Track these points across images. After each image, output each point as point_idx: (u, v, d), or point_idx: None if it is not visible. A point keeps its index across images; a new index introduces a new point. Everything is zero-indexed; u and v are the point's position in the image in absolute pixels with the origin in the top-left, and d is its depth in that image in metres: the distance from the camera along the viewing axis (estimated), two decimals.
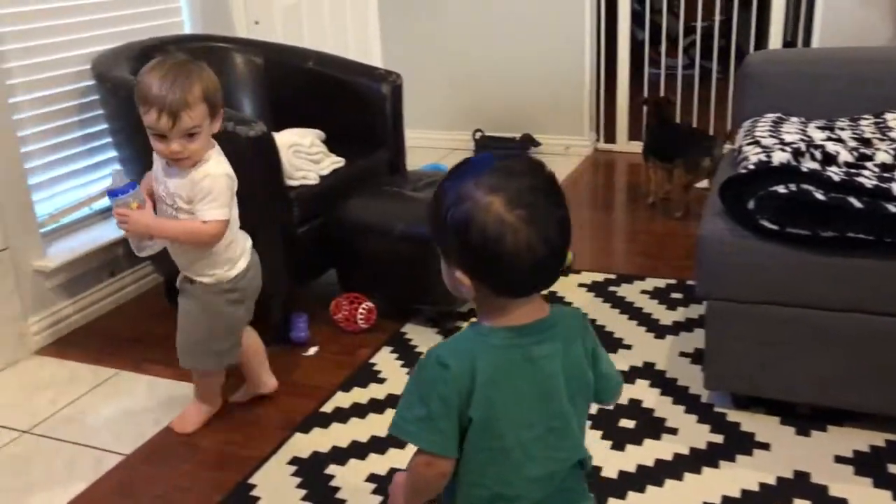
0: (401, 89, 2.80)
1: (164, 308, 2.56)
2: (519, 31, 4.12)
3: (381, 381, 2.20)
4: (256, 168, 2.23)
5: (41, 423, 2.09)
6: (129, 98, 2.26)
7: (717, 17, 4.02)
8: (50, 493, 1.83)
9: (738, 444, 1.85)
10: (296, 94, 2.88)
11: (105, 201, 2.75)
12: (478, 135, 4.24)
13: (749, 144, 2.07)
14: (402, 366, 2.27)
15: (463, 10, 4.19)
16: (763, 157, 1.90)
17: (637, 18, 4.09)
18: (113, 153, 2.72)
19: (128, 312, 2.67)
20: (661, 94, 3.80)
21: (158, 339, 2.41)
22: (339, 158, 2.63)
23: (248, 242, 1.96)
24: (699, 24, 4.05)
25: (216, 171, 1.81)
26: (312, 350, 2.39)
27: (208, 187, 1.79)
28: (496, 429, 1.06)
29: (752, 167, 1.88)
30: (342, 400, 2.12)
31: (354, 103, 2.81)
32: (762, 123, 2.21)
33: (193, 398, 2.07)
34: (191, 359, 1.98)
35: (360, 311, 2.45)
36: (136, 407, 2.14)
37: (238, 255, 1.92)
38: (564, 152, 4.20)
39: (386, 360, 2.30)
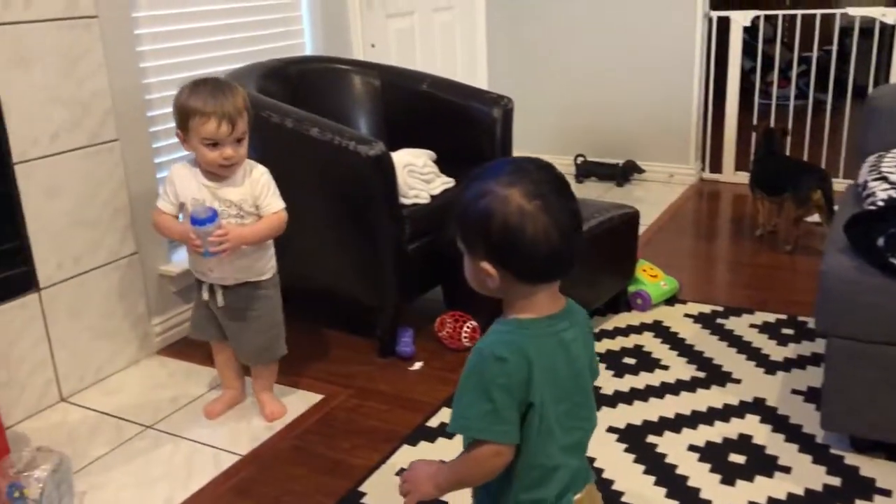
0: (511, 113, 2.84)
1: None
2: (627, 57, 4.11)
3: None
4: (375, 186, 2.30)
5: (163, 420, 2.20)
6: (257, 114, 2.39)
7: (834, 48, 3.92)
8: (172, 486, 1.92)
9: (858, 488, 1.79)
10: (409, 115, 2.96)
11: None
12: (579, 160, 4.25)
13: (876, 180, 2.02)
14: None
15: (571, 35, 4.22)
16: (893, 193, 1.85)
17: (745, 48, 4.02)
18: None
19: None
20: (772, 124, 3.72)
21: None
22: (450, 179, 2.69)
23: None
24: (815, 54, 3.95)
25: (264, 168, 2.05)
26: (418, 365, 2.44)
27: (267, 182, 2.04)
28: (544, 410, 1.13)
29: (881, 204, 1.83)
30: (447, 416, 2.14)
31: (465, 125, 2.86)
32: (889, 158, 2.14)
33: (270, 392, 2.22)
34: (277, 349, 2.16)
35: (465, 329, 2.49)
36: (249, 410, 2.23)
37: None
38: (668, 180, 4.16)
39: None
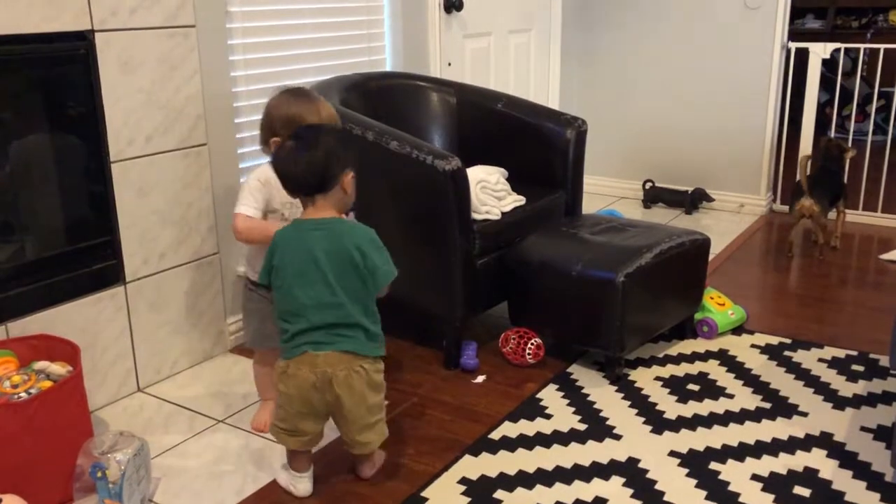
0: (584, 135, 2.87)
1: None
2: (700, 84, 4.11)
3: (548, 416, 2.25)
4: (449, 200, 2.36)
5: (234, 415, 2.28)
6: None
7: None
8: (242, 478, 1.99)
9: None
10: (483, 133, 3.01)
11: None
12: (648, 185, 4.24)
13: None
14: (568, 405, 2.31)
15: (644, 60, 4.23)
16: None
17: (822, 80, 3.98)
18: None
19: None
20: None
21: None
22: (521, 197, 2.73)
23: None
24: None
25: None
26: (480, 378, 2.47)
27: None
28: (281, 273, 1.83)
29: None
30: (509, 429, 2.18)
31: (538, 145, 2.90)
32: None
33: None
34: None
35: (530, 346, 2.51)
36: None
37: None
38: (738, 210, 4.13)
39: (552, 398, 2.35)
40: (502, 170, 2.76)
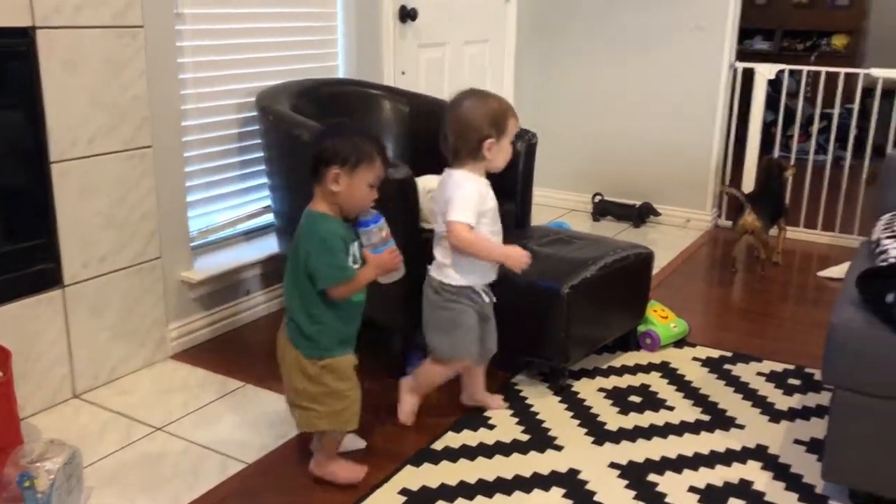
0: (535, 147, 2.89)
1: None
2: (650, 101, 4.18)
3: (491, 427, 2.26)
4: (397, 208, 2.35)
5: (173, 423, 2.24)
6: (289, 131, 2.45)
7: (856, 107, 3.97)
8: (178, 488, 1.96)
9: None
10: (435, 142, 3.00)
11: (249, 224, 2.95)
12: (597, 198, 4.30)
13: (889, 238, 2.05)
14: (512, 415, 2.32)
15: (597, 76, 4.30)
16: None
17: (768, 100, 4.09)
18: (262, 180, 2.93)
19: (257, 330, 2.84)
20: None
21: None
22: None
23: None
24: (836, 111, 4.00)
25: None
26: None
27: None
28: None
29: (893, 261, 1.86)
30: (452, 440, 2.18)
31: None
32: None
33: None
34: None
35: None
36: (259, 420, 2.26)
37: None
38: (684, 225, 4.20)
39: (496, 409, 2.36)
40: None
